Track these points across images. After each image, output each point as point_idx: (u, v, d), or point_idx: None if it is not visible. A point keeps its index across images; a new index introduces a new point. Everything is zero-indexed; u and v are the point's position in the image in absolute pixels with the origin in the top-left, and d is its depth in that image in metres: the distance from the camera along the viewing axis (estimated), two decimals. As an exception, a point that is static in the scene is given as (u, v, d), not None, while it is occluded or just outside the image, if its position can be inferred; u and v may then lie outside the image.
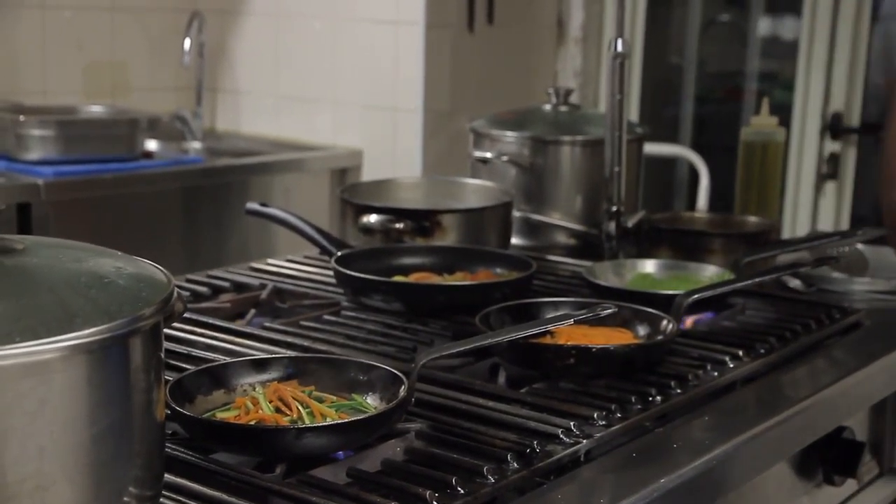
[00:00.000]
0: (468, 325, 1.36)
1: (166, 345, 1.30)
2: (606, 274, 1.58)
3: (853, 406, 1.41)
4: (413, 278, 1.55)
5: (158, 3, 3.37)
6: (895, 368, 1.46)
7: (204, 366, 1.13)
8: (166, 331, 1.34)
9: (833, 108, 3.16)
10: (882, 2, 3.19)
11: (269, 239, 2.83)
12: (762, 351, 1.35)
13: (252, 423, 1.01)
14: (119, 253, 0.87)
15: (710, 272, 1.58)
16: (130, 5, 3.30)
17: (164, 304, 0.79)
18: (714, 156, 3.12)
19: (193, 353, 1.27)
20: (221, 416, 1.04)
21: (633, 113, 3.47)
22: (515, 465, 1.00)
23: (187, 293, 1.57)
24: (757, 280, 1.44)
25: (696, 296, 1.35)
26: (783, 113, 3.19)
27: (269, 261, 1.76)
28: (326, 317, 1.47)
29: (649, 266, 1.63)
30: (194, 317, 1.42)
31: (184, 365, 1.20)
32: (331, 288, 1.60)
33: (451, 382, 1.21)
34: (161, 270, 0.85)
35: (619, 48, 1.77)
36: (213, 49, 3.39)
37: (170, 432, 1.04)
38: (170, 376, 1.09)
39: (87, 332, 0.71)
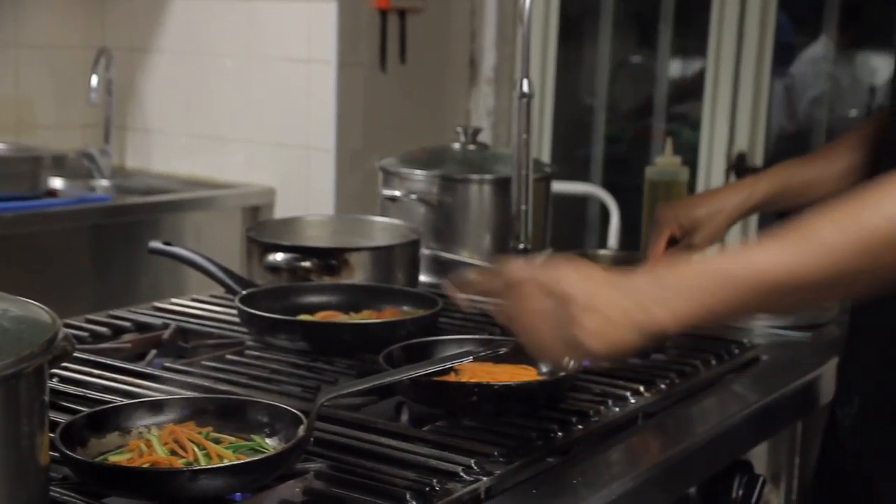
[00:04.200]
0: (374, 364, 1.35)
1: (61, 386, 1.28)
2: None
3: (752, 439, 1.43)
4: (319, 317, 1.54)
5: (64, 40, 3.32)
6: (793, 402, 1.50)
7: (98, 408, 1.10)
8: (61, 372, 1.32)
9: (737, 148, 3.24)
10: (786, 49, 3.29)
11: (181, 278, 2.79)
12: (663, 386, 1.37)
13: (145, 465, 0.99)
14: (6, 295, 0.86)
15: None
16: (35, 42, 3.25)
17: (47, 345, 0.77)
18: (625, 194, 3.17)
19: (89, 395, 1.25)
20: (114, 459, 1.02)
21: (545, 152, 3.51)
22: (415, 503, 1.00)
23: (86, 334, 1.54)
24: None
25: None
26: (691, 152, 3.27)
27: (174, 300, 1.73)
28: (230, 356, 1.45)
29: None
30: (92, 358, 1.39)
31: (79, 407, 1.17)
32: (236, 327, 1.58)
33: (354, 421, 1.20)
34: (47, 311, 0.83)
35: (525, 89, 1.79)
36: (122, 86, 3.35)
37: (61, 476, 1.01)
38: (63, 419, 1.07)
39: (-37, 374, 0.70)
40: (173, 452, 1.02)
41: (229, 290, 1.62)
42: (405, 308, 1.58)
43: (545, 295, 1.08)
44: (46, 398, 0.80)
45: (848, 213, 1.04)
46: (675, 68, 3.67)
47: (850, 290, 1.09)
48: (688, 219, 1.66)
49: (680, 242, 1.68)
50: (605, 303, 1.06)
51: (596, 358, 1.10)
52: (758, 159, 3.24)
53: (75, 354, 1.36)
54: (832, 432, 1.44)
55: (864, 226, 1.02)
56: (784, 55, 3.36)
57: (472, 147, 2.06)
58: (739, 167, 3.25)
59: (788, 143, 3.54)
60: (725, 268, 1.07)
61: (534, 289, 1.09)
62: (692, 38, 3.48)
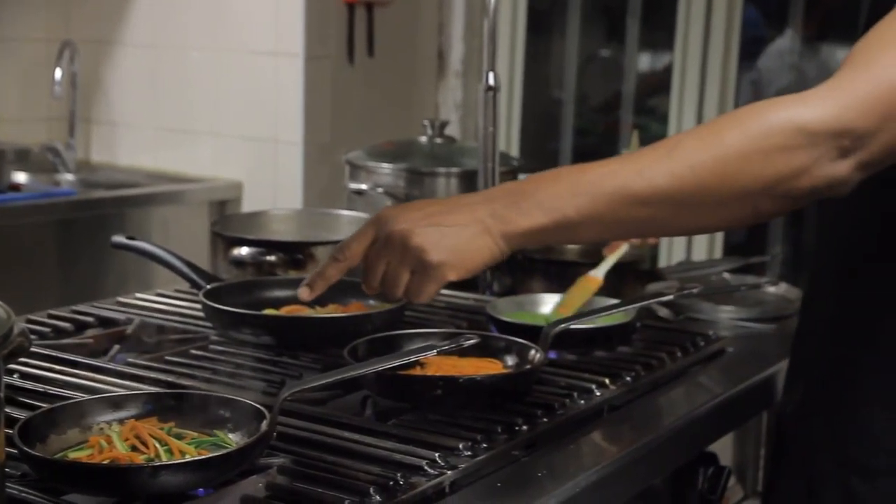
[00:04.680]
0: (339, 358, 1.34)
1: (22, 382, 1.26)
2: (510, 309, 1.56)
3: (717, 431, 1.44)
4: (284, 311, 1.52)
5: (28, 33, 3.28)
6: (758, 394, 1.50)
7: (58, 404, 1.09)
8: (22, 368, 1.31)
9: (705, 141, 3.25)
10: (754, 42, 3.31)
11: (147, 273, 2.76)
12: (628, 379, 1.37)
13: (105, 462, 0.98)
14: (-40, 288, 0.84)
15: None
16: (-2, 34, 3.22)
17: (1, 341, 0.76)
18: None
19: (50, 391, 1.23)
20: (74, 455, 1.01)
21: (514, 146, 3.51)
22: (378, 498, 0.99)
23: (49, 329, 1.52)
24: (622, 309, 1.46)
25: (562, 325, 1.36)
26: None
27: (138, 295, 1.72)
28: (193, 351, 1.44)
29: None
30: (54, 353, 1.37)
31: (39, 403, 1.16)
32: (201, 322, 1.56)
33: (317, 416, 1.20)
34: (2, 306, 0.82)
35: (491, 82, 1.80)
36: (86, 79, 3.32)
37: (19, 473, 1.00)
38: (23, 415, 1.06)
39: (-86, 370, 0.68)
40: (134, 448, 1.01)
41: (193, 284, 1.60)
42: (371, 302, 1.56)
43: (383, 245, 1.13)
44: (2, 394, 0.79)
45: (711, 129, 1.06)
46: (644, 62, 3.68)
47: (704, 210, 1.08)
48: None
49: None
50: (458, 219, 1.08)
51: (459, 273, 1.11)
52: (725, 152, 3.25)
53: (37, 350, 1.36)
54: (780, 419, 1.44)
55: (724, 141, 1.03)
56: (752, 48, 3.37)
57: (439, 140, 2.05)
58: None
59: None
60: (584, 177, 1.08)
61: (373, 248, 1.15)
62: (660, 31, 3.49)
